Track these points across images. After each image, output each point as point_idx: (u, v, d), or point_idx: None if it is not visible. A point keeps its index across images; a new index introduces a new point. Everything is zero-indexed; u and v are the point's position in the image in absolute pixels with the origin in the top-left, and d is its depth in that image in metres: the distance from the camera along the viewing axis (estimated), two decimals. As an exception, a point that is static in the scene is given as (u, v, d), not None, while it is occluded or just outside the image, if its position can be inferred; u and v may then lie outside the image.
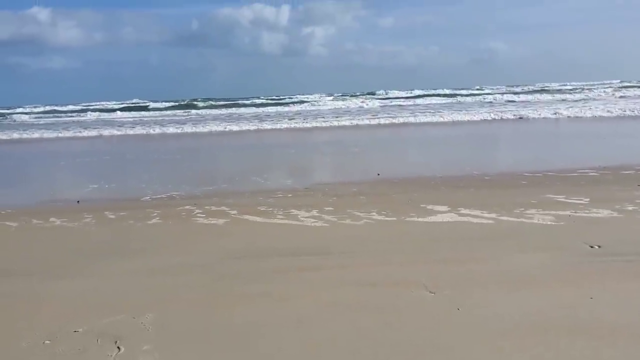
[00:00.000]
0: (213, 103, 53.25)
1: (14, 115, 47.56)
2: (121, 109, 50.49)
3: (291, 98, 56.35)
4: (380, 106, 40.64)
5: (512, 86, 61.34)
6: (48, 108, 55.95)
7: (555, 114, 23.85)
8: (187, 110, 45.87)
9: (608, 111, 23.36)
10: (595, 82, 59.95)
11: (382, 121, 24.88)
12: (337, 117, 29.52)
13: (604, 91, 43.87)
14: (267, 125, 25.64)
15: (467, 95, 48.88)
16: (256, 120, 30.08)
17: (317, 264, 4.93)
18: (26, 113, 51.13)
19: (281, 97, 59.23)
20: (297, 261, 5.04)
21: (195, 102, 53.89)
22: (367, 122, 25.38)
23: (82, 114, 46.29)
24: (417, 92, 56.71)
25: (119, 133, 26.32)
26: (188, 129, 26.22)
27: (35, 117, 46.58)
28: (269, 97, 58.22)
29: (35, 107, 58.43)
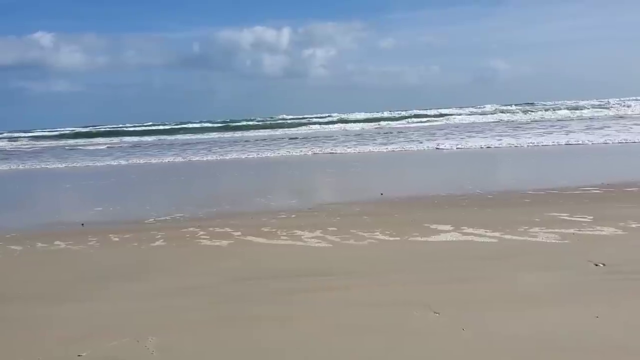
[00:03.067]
0: (212, 125, 54.24)
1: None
2: (123, 134, 51.39)
3: (286, 120, 57.28)
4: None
5: (525, 104, 61.63)
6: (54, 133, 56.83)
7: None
8: (190, 134, 46.61)
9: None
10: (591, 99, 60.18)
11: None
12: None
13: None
14: (267, 151, 25.48)
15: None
16: (255, 146, 30.21)
17: (321, 285, 4.92)
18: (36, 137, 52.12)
19: (281, 118, 59.80)
20: (300, 282, 5.03)
21: (194, 126, 54.96)
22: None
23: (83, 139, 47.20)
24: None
25: (120, 162, 26.41)
26: (190, 156, 26.33)
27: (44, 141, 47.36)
28: (264, 120, 58.85)
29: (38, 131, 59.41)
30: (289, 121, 55.45)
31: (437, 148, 20.56)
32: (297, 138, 33.49)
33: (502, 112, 50.87)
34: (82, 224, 8.79)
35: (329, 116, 58.99)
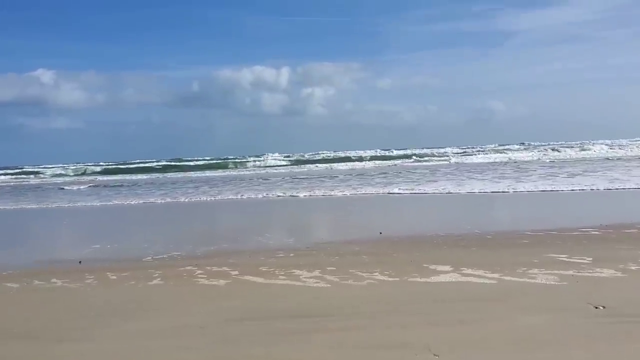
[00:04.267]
0: (209, 163, 54.65)
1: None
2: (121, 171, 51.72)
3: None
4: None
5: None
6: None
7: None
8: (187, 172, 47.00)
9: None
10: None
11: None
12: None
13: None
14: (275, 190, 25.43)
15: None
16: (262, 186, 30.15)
17: (319, 326, 4.88)
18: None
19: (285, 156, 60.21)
20: (298, 323, 4.99)
21: (189, 164, 55.43)
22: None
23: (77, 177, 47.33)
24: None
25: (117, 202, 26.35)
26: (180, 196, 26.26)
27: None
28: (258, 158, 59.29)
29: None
30: (282, 161, 55.88)
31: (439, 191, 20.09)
32: (295, 177, 33.60)
33: (500, 152, 51.39)
34: (80, 262, 8.76)
35: (330, 153, 59.65)
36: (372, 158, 54.19)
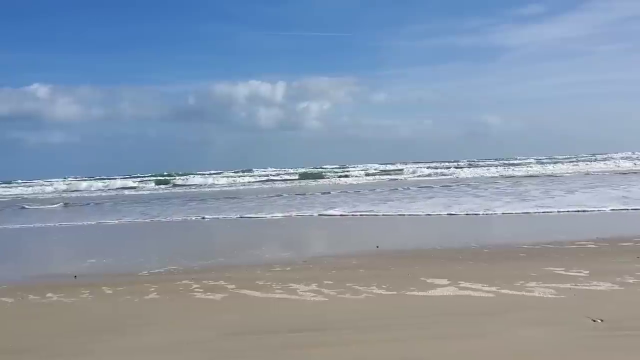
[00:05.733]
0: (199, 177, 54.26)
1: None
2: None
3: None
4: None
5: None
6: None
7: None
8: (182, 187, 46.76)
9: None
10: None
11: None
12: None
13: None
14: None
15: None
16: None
17: (317, 340, 4.84)
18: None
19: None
20: (296, 337, 4.95)
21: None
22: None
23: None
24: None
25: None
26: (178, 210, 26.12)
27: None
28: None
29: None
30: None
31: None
32: (291, 193, 33.56)
33: (497, 167, 51.57)
34: (75, 276, 8.70)
35: (327, 167, 59.64)
36: (373, 173, 54.19)
